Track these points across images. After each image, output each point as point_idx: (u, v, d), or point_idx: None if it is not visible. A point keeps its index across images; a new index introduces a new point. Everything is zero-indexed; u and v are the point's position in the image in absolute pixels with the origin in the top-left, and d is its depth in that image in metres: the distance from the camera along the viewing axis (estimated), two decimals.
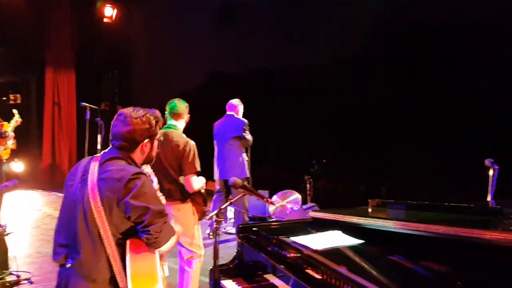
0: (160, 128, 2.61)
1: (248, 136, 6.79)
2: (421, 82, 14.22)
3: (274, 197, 7.86)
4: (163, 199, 2.50)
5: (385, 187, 10.14)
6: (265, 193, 8.01)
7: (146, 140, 2.50)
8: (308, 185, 7.68)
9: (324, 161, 13.46)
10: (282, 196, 7.68)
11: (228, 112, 6.90)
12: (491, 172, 4.18)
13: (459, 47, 13.63)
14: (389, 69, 15.94)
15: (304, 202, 7.76)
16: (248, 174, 6.82)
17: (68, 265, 2.29)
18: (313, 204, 7.23)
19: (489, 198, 4.25)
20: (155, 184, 2.79)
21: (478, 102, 12.78)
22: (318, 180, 11.41)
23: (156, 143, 2.61)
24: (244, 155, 6.93)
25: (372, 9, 14.12)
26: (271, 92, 15.64)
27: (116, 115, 2.51)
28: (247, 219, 6.96)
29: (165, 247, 2.37)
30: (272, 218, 7.54)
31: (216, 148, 6.90)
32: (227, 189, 6.82)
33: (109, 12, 11.48)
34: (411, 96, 14.38)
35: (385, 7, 14.21)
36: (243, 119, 6.88)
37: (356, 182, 11.19)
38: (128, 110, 2.50)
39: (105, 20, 11.80)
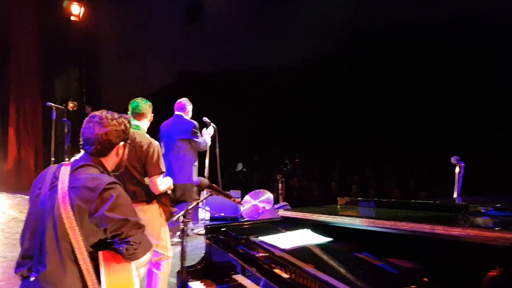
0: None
1: (200, 139, 6.31)
2: (388, 82, 14.51)
3: (246, 197, 7.80)
4: None
5: (356, 185, 10.24)
6: (237, 193, 7.98)
7: (121, 143, 2.43)
8: (280, 185, 7.66)
9: (297, 160, 13.52)
10: (254, 195, 7.62)
11: (176, 112, 6.35)
12: (457, 170, 4.26)
13: (424, 47, 13.98)
14: (356, 69, 16.23)
15: (276, 201, 7.74)
16: (193, 180, 6.26)
17: (32, 278, 2.17)
18: (285, 203, 7.21)
19: (455, 195, 4.33)
20: None
21: (445, 101, 13.11)
22: (291, 179, 11.45)
23: (127, 148, 2.53)
24: (194, 158, 6.43)
25: (338, 12, 14.32)
26: (242, 92, 15.64)
27: (89, 117, 2.40)
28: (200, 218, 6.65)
29: (143, 259, 2.30)
30: (244, 218, 7.50)
31: (163, 150, 6.41)
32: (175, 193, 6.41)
33: (76, 10, 11.21)
34: (380, 96, 14.66)
35: (348, 10, 14.47)
36: (193, 121, 6.36)
37: (328, 181, 11.26)
38: (102, 113, 2.40)
39: (72, 18, 11.53)
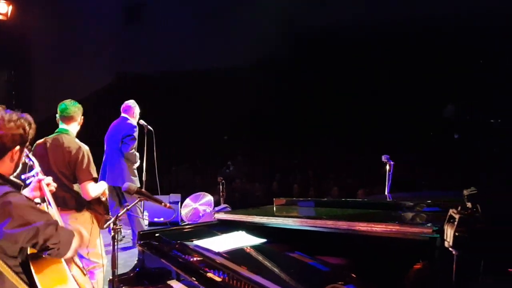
0: (34, 133, 2.40)
1: (132, 150, 6.10)
2: (327, 84, 14.89)
3: (187, 200, 7.77)
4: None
5: (297, 185, 10.42)
6: (177, 196, 7.88)
7: (17, 148, 2.24)
8: (221, 187, 7.65)
9: (228, 163, 13.55)
10: (194, 199, 7.61)
11: (122, 114, 6.24)
12: (387, 168, 4.43)
13: (360, 49, 14.46)
14: (297, 71, 16.53)
15: (218, 203, 7.74)
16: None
17: None
18: (225, 205, 7.22)
19: (386, 192, 4.51)
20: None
21: (382, 102, 13.63)
22: (233, 181, 11.47)
23: (25, 151, 2.39)
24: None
25: (280, 14, 14.54)
26: (183, 94, 15.49)
27: None
28: (144, 225, 6.50)
29: (71, 251, 2.22)
30: (185, 222, 7.44)
31: (105, 150, 6.28)
32: (118, 195, 6.29)
33: (4, 8, 10.63)
34: (320, 97, 15.01)
35: (290, 12, 14.74)
36: (135, 124, 6.21)
37: (270, 181, 11.38)
38: (0, 113, 2.22)
39: (0, 17, 10.94)
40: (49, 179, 2.77)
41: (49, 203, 2.61)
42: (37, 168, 2.89)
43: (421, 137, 11.83)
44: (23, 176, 2.63)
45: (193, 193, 7.97)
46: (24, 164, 2.85)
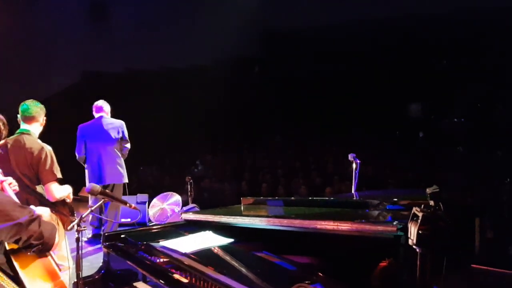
0: (7, 133, 2.35)
1: (128, 145, 6.39)
2: (296, 83, 15.02)
3: (154, 200, 7.67)
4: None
5: (266, 184, 10.43)
6: (144, 196, 7.78)
7: None
8: (189, 186, 7.58)
9: (197, 162, 13.49)
10: (162, 199, 7.52)
11: (98, 114, 6.21)
12: (354, 166, 4.49)
13: (330, 48, 14.65)
14: (266, 70, 16.62)
15: (186, 203, 7.67)
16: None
17: None
18: (194, 205, 7.16)
19: (353, 190, 4.56)
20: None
21: (350, 100, 13.82)
22: (202, 181, 11.39)
23: None
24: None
25: (248, 13, 14.56)
26: (151, 93, 15.31)
27: None
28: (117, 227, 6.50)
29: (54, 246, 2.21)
30: (153, 222, 7.34)
31: (91, 151, 6.24)
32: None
33: None
34: (289, 96, 15.11)
35: (258, 11, 14.79)
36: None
37: (239, 181, 11.36)
38: None
39: None
40: (10, 179, 2.72)
41: None
42: None
43: (386, 135, 12.03)
44: None
45: (161, 193, 7.88)
46: None
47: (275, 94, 15.38)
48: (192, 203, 7.41)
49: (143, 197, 7.66)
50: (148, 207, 7.46)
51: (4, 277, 2.06)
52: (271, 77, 16.11)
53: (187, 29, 15.67)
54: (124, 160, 6.46)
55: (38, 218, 2.14)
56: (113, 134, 6.18)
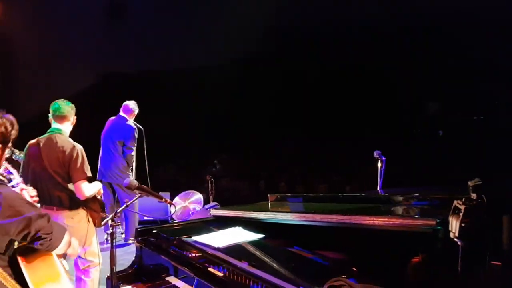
0: (16, 134, 2.38)
1: (132, 153, 6.38)
2: (312, 81, 14.97)
3: (176, 199, 7.73)
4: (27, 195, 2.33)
5: (284, 182, 10.45)
6: (166, 195, 7.84)
7: None
8: (209, 185, 7.64)
9: (215, 161, 13.52)
10: (184, 197, 7.58)
11: (121, 114, 6.40)
12: (379, 164, 4.47)
13: (345, 45, 14.56)
14: (280, 69, 16.58)
15: (206, 202, 7.72)
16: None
17: None
18: (215, 203, 7.20)
19: (378, 188, 4.55)
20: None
21: (368, 98, 13.74)
22: (220, 180, 11.44)
23: (7, 151, 2.36)
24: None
25: (261, 12, 14.56)
26: (168, 93, 15.41)
27: None
28: (136, 223, 6.60)
29: (63, 246, 2.23)
30: (175, 220, 7.40)
31: (102, 146, 6.40)
32: (113, 192, 6.40)
33: None
34: (305, 93, 15.07)
35: (272, 10, 14.77)
36: (134, 126, 6.41)
37: (256, 179, 11.39)
38: None
39: None
40: (30, 190, 2.80)
41: None
42: (17, 179, 2.90)
43: (406, 133, 11.95)
44: None
45: (180, 191, 7.94)
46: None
47: (293, 92, 15.35)
48: (212, 201, 7.46)
49: (165, 195, 7.71)
50: (170, 205, 7.52)
51: (8, 277, 2.06)
52: (287, 75, 16.08)
53: (202, 29, 15.74)
54: (144, 159, 6.58)
55: (47, 215, 2.19)
56: (115, 136, 6.28)
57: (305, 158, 12.79)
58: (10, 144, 2.34)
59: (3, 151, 2.28)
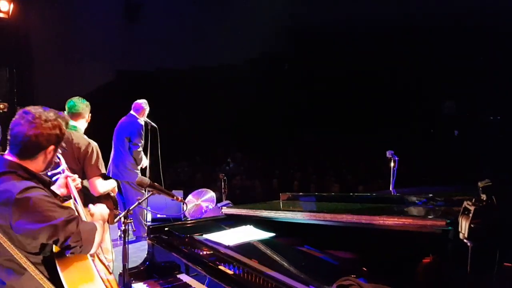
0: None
1: (139, 148, 6.36)
2: (327, 80, 14.92)
3: (189, 197, 7.77)
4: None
5: (298, 181, 10.43)
6: (179, 193, 7.88)
7: (51, 147, 2.20)
8: (223, 183, 7.67)
9: (228, 160, 13.58)
10: (197, 195, 7.61)
11: (131, 112, 6.48)
12: (392, 164, 4.45)
13: (361, 45, 14.48)
14: (296, 68, 16.56)
15: (219, 200, 7.75)
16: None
17: None
18: (228, 201, 7.23)
19: (391, 187, 4.52)
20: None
21: (381, 99, 13.66)
22: (233, 178, 11.48)
23: (57, 151, 2.34)
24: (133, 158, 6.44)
25: (278, 12, 14.55)
26: (183, 91, 15.50)
27: (21, 112, 2.16)
28: (144, 220, 6.66)
29: (94, 247, 2.18)
30: (188, 218, 7.45)
31: (113, 145, 6.53)
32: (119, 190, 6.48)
33: (5, 6, 10.62)
34: (319, 93, 15.03)
35: (287, 9, 14.75)
36: (142, 123, 6.44)
37: (270, 178, 11.39)
38: (37, 110, 2.17)
39: (1, 15, 10.91)
40: (75, 176, 2.78)
41: (75, 200, 2.56)
42: (64, 165, 2.88)
43: (421, 133, 11.86)
44: (49, 173, 2.61)
45: (193, 189, 7.98)
46: None
47: (306, 91, 15.33)
48: (225, 199, 7.49)
49: (178, 193, 7.76)
50: (183, 204, 7.57)
51: (44, 278, 2.08)
52: (301, 75, 16.05)
53: (218, 28, 15.77)
54: (158, 156, 6.64)
55: (76, 218, 2.13)
56: (123, 133, 6.36)
57: (319, 157, 12.76)
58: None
59: (55, 151, 2.26)
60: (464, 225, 1.68)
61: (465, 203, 1.71)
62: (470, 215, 1.65)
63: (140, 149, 6.41)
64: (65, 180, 2.69)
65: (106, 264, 2.50)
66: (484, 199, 1.68)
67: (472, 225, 1.64)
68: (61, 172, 2.80)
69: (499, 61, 12.24)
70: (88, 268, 2.19)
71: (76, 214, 2.21)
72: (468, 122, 12.48)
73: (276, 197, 3.86)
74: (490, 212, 1.62)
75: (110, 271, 2.46)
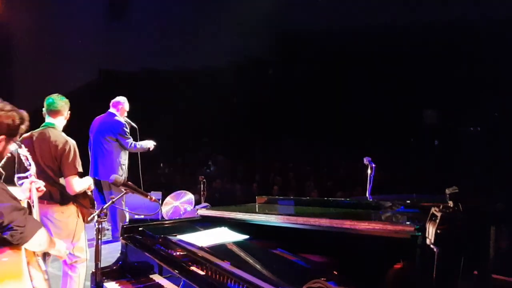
0: (24, 131, 2.41)
1: (129, 141, 6.31)
2: (309, 86, 15.02)
3: (168, 198, 7.73)
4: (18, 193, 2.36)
5: (277, 186, 10.47)
6: (158, 194, 7.84)
7: (2, 137, 2.26)
8: (202, 186, 7.64)
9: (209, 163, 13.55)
10: (176, 197, 7.57)
11: (110, 110, 6.38)
12: (369, 170, 4.47)
13: (345, 51, 14.63)
14: (279, 72, 16.65)
15: (198, 202, 7.72)
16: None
17: None
18: (206, 204, 7.20)
19: (367, 194, 4.54)
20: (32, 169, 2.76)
21: (363, 105, 13.79)
22: (213, 181, 11.45)
23: (13, 145, 2.41)
24: (121, 156, 6.41)
25: (264, 16, 14.60)
26: (166, 92, 15.44)
27: None
28: (122, 222, 6.60)
29: (36, 242, 2.23)
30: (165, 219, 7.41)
31: (92, 144, 6.41)
32: (99, 188, 6.41)
33: None
34: (302, 99, 15.13)
35: (274, 14, 14.82)
36: (122, 121, 6.36)
37: (250, 182, 11.41)
38: None
39: None
40: (41, 183, 2.85)
41: (33, 205, 2.67)
42: (32, 171, 2.96)
43: (401, 142, 12.00)
44: (17, 176, 2.69)
45: (173, 191, 7.93)
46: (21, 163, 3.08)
47: (288, 97, 15.40)
48: (204, 202, 7.46)
49: (157, 194, 7.71)
50: (161, 205, 7.52)
51: None
52: (284, 79, 16.14)
53: (203, 30, 15.79)
54: (139, 157, 6.60)
55: (24, 210, 2.22)
56: (106, 132, 6.27)
57: (300, 163, 12.82)
58: (16, 138, 2.38)
59: (6, 143, 2.30)
60: (431, 231, 1.71)
61: (432, 209, 1.75)
62: (437, 221, 1.69)
63: (131, 140, 6.36)
64: (30, 186, 2.75)
65: (44, 270, 2.49)
66: (451, 205, 1.72)
67: (438, 231, 1.67)
68: (28, 176, 2.88)
69: (482, 72, 12.47)
70: (18, 265, 2.20)
71: (26, 208, 2.29)
72: (449, 132, 12.67)
73: (255, 201, 3.86)
74: (456, 218, 1.66)
75: (46, 277, 2.45)
